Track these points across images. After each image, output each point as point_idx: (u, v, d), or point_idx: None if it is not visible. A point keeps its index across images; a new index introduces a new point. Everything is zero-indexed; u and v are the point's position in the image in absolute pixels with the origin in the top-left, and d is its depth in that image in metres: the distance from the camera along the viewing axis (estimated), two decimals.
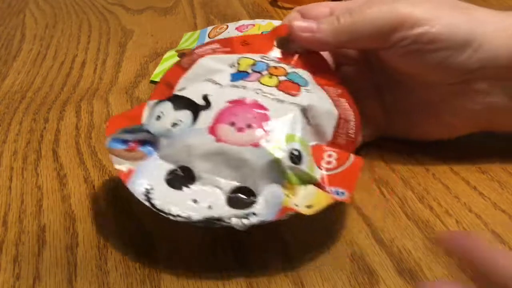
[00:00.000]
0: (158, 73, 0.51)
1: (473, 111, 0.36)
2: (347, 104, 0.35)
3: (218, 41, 0.38)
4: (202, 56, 0.36)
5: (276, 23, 0.54)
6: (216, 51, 0.37)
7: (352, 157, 0.33)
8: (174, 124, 0.32)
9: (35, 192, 0.38)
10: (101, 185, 0.39)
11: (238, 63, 0.36)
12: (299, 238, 0.33)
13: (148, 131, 0.32)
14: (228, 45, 0.37)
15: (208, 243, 0.33)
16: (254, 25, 0.54)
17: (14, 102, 0.50)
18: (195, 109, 0.32)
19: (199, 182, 0.31)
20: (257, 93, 0.33)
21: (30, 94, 0.52)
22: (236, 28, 0.54)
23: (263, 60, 0.36)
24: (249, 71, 0.35)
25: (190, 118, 0.32)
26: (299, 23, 0.35)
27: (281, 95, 0.33)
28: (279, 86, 0.34)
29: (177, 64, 0.37)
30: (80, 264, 0.32)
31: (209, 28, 0.58)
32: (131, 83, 0.53)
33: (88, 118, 0.47)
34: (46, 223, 0.35)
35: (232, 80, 0.34)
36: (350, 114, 0.35)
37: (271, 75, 0.35)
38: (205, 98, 0.33)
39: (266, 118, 0.32)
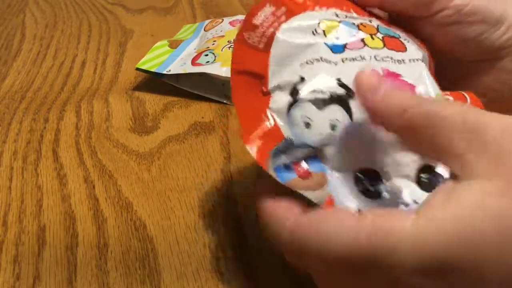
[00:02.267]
0: (145, 61, 0.51)
1: (496, 90, 0.36)
2: (416, 39, 0.33)
3: (269, 1, 0.31)
4: (269, 27, 0.30)
5: None
6: (276, 14, 0.31)
7: (465, 94, 0.31)
8: (333, 127, 0.27)
9: (35, 192, 0.38)
10: (101, 185, 0.39)
11: (323, 30, 0.30)
12: None
13: (305, 145, 0.27)
14: (280, 4, 0.31)
15: (208, 243, 0.33)
16: None
17: (14, 102, 0.50)
18: (342, 101, 0.27)
19: (385, 179, 0.27)
20: (378, 61, 0.29)
21: (30, 94, 0.52)
22: (230, 22, 0.55)
23: (345, 20, 0.31)
24: (343, 36, 0.30)
25: (343, 113, 0.27)
26: None
27: (395, 54, 0.30)
28: (386, 45, 0.31)
29: (244, 44, 0.29)
30: (80, 264, 0.32)
31: (207, 22, 0.58)
32: (131, 83, 0.53)
33: (88, 118, 0.47)
34: (46, 223, 0.35)
35: (336, 52, 0.29)
36: (426, 51, 0.33)
37: (371, 36, 0.31)
38: (342, 84, 0.28)
39: (411, 86, 0.28)
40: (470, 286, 0.21)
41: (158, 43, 0.54)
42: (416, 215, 0.21)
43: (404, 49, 0.31)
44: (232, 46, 0.49)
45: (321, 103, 0.27)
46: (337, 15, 0.31)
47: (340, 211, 0.24)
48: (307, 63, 0.29)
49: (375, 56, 0.30)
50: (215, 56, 0.49)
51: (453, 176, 0.23)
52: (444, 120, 0.23)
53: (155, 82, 0.51)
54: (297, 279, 0.31)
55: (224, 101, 0.48)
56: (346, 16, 0.32)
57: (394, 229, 0.21)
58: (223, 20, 0.56)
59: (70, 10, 0.73)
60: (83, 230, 0.35)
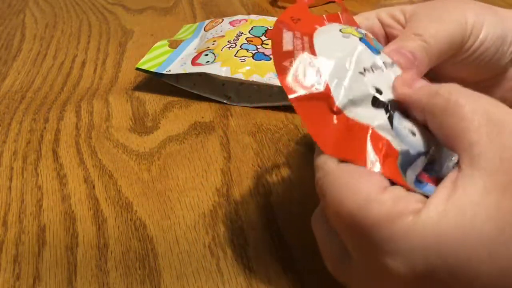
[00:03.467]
0: (145, 61, 0.51)
1: (507, 99, 0.35)
2: None
3: (282, 26, 0.30)
4: (303, 49, 0.29)
5: (269, 19, 0.54)
6: (297, 37, 0.30)
7: None
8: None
9: (35, 192, 0.38)
10: (101, 185, 0.39)
11: (350, 33, 0.30)
12: (300, 238, 0.33)
13: (422, 153, 0.26)
14: (293, 28, 0.30)
15: (208, 243, 0.33)
16: (247, 20, 0.54)
17: (14, 102, 0.50)
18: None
19: None
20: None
21: (30, 94, 0.52)
22: (230, 22, 0.55)
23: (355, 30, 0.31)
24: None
25: None
26: (405, 56, 0.31)
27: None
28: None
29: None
30: (80, 264, 0.32)
31: (207, 22, 0.58)
32: (131, 83, 0.53)
33: (88, 118, 0.47)
34: (46, 223, 0.35)
35: (375, 53, 0.29)
36: None
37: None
38: None
39: None
40: (459, 286, 0.21)
41: (158, 43, 0.54)
42: (422, 205, 0.22)
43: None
44: (232, 46, 0.49)
45: (405, 113, 0.27)
46: (344, 26, 0.31)
47: (371, 175, 0.24)
48: (366, 70, 0.28)
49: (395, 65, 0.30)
50: (215, 56, 0.49)
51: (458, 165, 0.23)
52: (468, 112, 0.23)
53: (155, 82, 0.51)
54: (297, 280, 0.31)
55: (224, 101, 0.48)
56: (351, 28, 0.31)
57: (398, 217, 0.21)
58: (223, 20, 0.56)
59: (70, 10, 0.73)
60: (83, 230, 0.35)
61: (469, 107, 0.23)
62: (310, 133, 0.26)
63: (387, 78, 0.28)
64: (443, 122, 0.24)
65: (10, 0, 0.78)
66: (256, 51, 0.49)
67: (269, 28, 0.52)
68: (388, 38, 0.34)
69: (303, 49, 0.29)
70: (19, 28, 0.68)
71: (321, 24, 0.31)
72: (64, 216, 0.36)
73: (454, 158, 0.27)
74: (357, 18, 0.35)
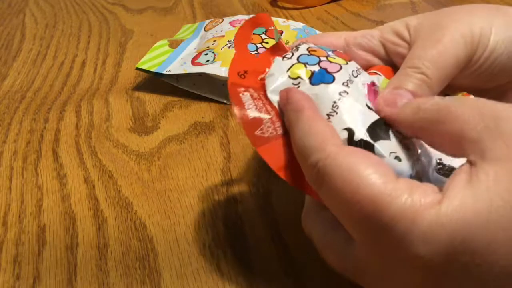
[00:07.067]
0: (144, 61, 0.51)
1: None
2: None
3: (239, 92, 0.29)
4: (269, 109, 0.29)
5: None
6: (254, 97, 0.29)
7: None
8: (412, 144, 0.27)
9: (35, 192, 0.38)
10: (101, 185, 0.39)
11: (296, 73, 0.29)
12: (300, 238, 0.33)
13: (414, 174, 0.26)
14: (246, 87, 0.30)
15: (208, 243, 0.33)
16: None
17: (14, 102, 0.50)
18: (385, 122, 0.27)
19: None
20: (360, 74, 0.30)
21: (30, 94, 0.52)
22: (230, 23, 0.55)
23: (300, 55, 0.30)
24: (317, 66, 0.29)
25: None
26: (404, 97, 0.28)
27: (356, 64, 0.31)
28: (345, 58, 0.31)
29: (268, 143, 0.28)
30: (80, 264, 0.32)
31: (207, 21, 0.58)
32: (131, 83, 0.53)
33: (88, 118, 0.47)
34: (46, 223, 0.35)
35: (328, 81, 0.28)
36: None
37: (326, 57, 0.30)
38: (370, 107, 0.28)
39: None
40: (479, 270, 0.21)
41: (158, 43, 0.54)
42: (439, 196, 0.22)
43: (348, 58, 0.31)
44: (232, 46, 0.49)
45: (385, 133, 0.26)
46: (287, 58, 0.30)
47: (381, 162, 0.24)
48: (330, 115, 0.27)
49: (357, 70, 0.30)
50: (214, 55, 0.49)
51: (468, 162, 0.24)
52: (459, 113, 0.23)
53: (155, 82, 0.51)
54: (297, 280, 0.31)
55: (224, 101, 0.48)
56: (293, 54, 0.30)
57: (421, 209, 0.21)
58: (223, 20, 0.56)
59: (70, 10, 0.73)
60: (83, 230, 0.35)
61: (460, 109, 0.23)
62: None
63: (352, 106, 0.27)
64: (438, 131, 0.24)
65: (10, 0, 0.78)
66: (256, 51, 0.49)
67: (269, 28, 0.52)
68: (394, 55, 0.33)
69: (266, 111, 0.28)
70: (19, 28, 0.68)
71: (268, 65, 0.30)
72: (64, 216, 0.36)
73: (434, 162, 0.28)
74: (357, 37, 0.34)
